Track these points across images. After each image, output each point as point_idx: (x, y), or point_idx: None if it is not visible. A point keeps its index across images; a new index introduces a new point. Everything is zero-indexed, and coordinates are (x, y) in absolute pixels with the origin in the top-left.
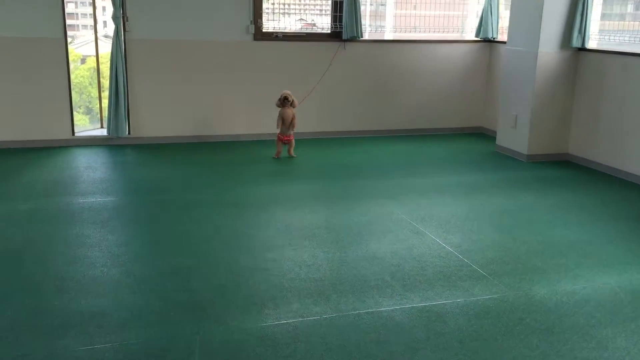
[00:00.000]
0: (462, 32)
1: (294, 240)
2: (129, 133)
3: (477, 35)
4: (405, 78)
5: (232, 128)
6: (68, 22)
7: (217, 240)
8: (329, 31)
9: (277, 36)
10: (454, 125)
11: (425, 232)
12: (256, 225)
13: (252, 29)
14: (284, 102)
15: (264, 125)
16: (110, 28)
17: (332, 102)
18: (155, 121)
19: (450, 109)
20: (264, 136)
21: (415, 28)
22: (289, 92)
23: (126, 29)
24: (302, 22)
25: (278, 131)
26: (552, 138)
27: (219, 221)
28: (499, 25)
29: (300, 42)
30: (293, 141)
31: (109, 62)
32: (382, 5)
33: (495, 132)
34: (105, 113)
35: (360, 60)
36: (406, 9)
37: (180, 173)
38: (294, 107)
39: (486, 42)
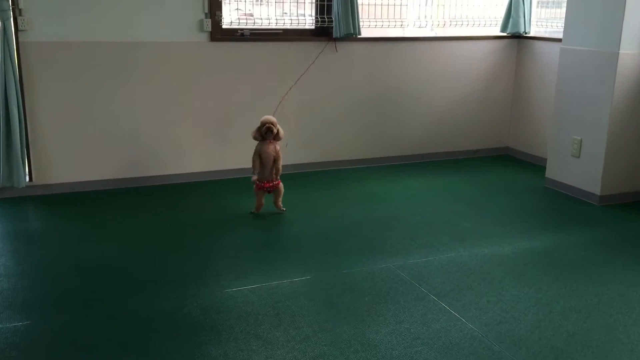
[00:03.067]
0: (483, 25)
1: None
2: (29, 180)
3: (503, 30)
4: (412, 87)
5: (182, 165)
6: None
7: None
8: (312, 26)
9: (242, 34)
10: (472, 146)
11: None
12: None
13: (208, 24)
14: (266, 134)
15: (229, 159)
16: None
17: (318, 123)
18: (68, 161)
19: (469, 126)
20: (229, 173)
21: (426, 21)
22: (272, 118)
23: (20, 27)
24: (239, 11)
25: (254, 177)
26: (634, 172)
27: None
28: (531, 16)
29: (275, 43)
30: (281, 188)
31: None
32: None
33: (525, 155)
34: None
35: (356, 65)
36: None
37: (114, 252)
38: (277, 139)
39: (514, 38)
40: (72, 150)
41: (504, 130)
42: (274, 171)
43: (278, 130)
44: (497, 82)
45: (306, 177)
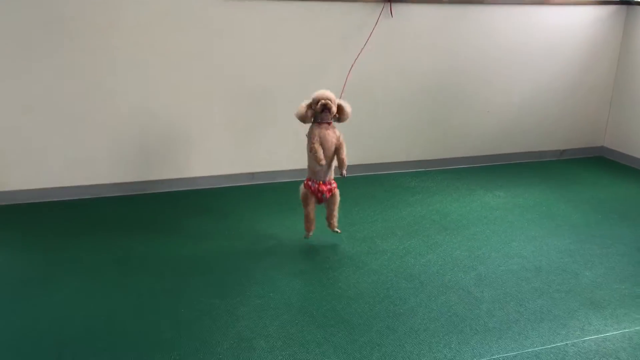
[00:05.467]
0: None
1: None
2: None
3: None
4: (486, 69)
5: (185, 167)
6: None
7: None
8: None
9: None
10: (559, 145)
11: None
12: None
13: None
14: (322, 112)
15: (252, 161)
16: None
17: (362, 114)
18: (28, 164)
19: (556, 119)
20: (241, 179)
21: None
22: (329, 93)
23: None
24: None
25: (309, 170)
26: None
27: None
28: None
29: (309, 2)
30: (337, 194)
31: None
32: None
33: (627, 159)
34: None
35: (415, 37)
36: None
37: (91, 310)
38: (344, 119)
39: (622, 4)
40: (31, 151)
41: (600, 126)
42: (339, 163)
43: (341, 108)
44: (596, 63)
45: (344, 186)
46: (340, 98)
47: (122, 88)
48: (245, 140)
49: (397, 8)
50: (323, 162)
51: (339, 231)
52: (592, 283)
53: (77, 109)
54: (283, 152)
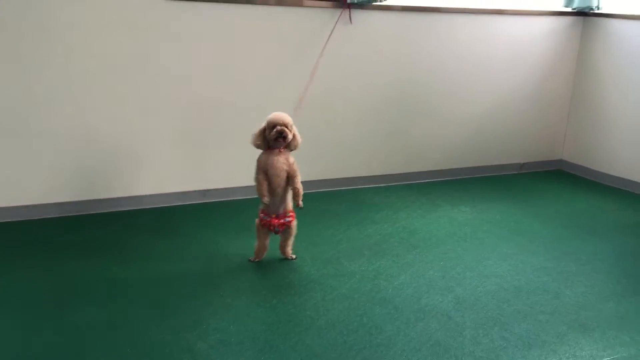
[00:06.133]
0: None
1: None
2: None
3: (567, 4)
4: (447, 80)
5: (130, 185)
6: None
7: None
8: None
9: None
10: (519, 159)
11: None
12: None
13: None
14: (276, 140)
15: (204, 178)
16: None
17: (322, 126)
18: None
19: (516, 132)
20: (193, 197)
21: None
22: (284, 117)
23: None
24: None
25: (262, 206)
26: None
27: None
28: None
29: (264, 7)
30: (294, 226)
31: None
32: None
33: (587, 172)
34: None
35: (375, 45)
36: None
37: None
38: (292, 148)
39: (578, 15)
40: None
41: (558, 139)
42: (292, 193)
43: (294, 134)
44: (554, 75)
45: (308, 202)
46: (299, 108)
47: (57, 98)
48: (196, 154)
49: (357, 14)
50: (265, 199)
51: (294, 257)
52: (576, 303)
53: (5, 122)
54: (238, 167)
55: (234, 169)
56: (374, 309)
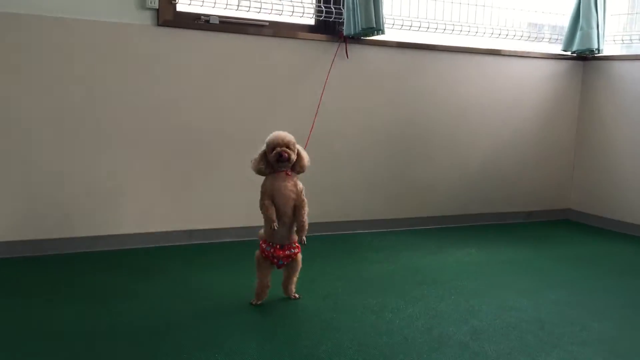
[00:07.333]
0: (538, 39)
1: None
2: None
3: (567, 47)
4: (448, 123)
5: (109, 224)
6: None
7: None
8: (311, 20)
9: (207, 21)
10: (524, 206)
11: None
12: None
13: (154, 1)
14: (278, 162)
15: (190, 217)
16: None
17: (316, 168)
18: None
19: (521, 179)
20: (177, 238)
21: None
22: (287, 136)
23: None
24: None
25: (264, 231)
26: None
27: None
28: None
29: (257, 37)
30: (299, 260)
31: None
32: None
33: (596, 220)
34: None
35: (372, 81)
36: None
37: None
38: (299, 171)
39: (577, 59)
40: None
41: (565, 186)
42: (297, 224)
43: (299, 154)
44: (557, 121)
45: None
46: (304, 148)
47: (32, 126)
48: (181, 192)
49: (353, 49)
50: (276, 224)
51: (297, 296)
52: (607, 335)
53: None
54: (226, 206)
55: (221, 208)
56: (380, 339)
